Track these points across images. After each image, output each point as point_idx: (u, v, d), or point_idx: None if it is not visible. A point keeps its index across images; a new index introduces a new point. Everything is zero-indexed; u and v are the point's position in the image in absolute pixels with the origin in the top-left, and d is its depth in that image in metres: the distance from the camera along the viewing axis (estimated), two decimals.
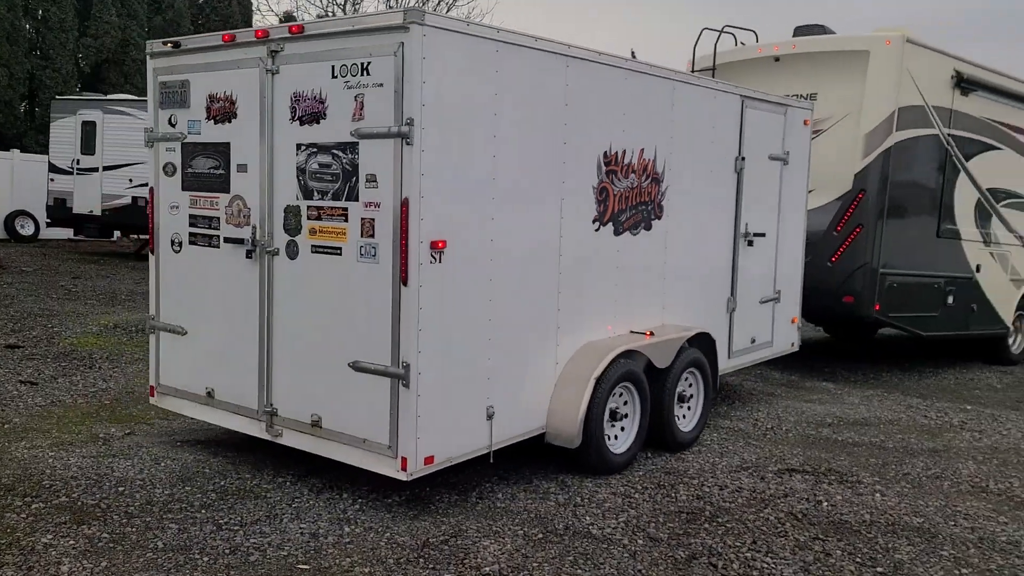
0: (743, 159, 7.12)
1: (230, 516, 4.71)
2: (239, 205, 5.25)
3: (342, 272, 4.75)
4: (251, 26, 23.56)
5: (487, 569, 4.14)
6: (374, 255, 4.60)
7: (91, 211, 17.72)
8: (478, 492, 5.21)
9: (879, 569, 4.36)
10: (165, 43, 5.56)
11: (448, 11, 22.98)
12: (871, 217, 9.08)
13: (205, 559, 4.17)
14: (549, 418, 5.43)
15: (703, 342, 6.54)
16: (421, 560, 4.23)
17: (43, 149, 21.26)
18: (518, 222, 5.09)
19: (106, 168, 17.62)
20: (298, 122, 4.87)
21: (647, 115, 6.03)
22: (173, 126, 5.56)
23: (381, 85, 4.48)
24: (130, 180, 17.25)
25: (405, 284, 4.48)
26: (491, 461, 5.12)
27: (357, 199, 4.64)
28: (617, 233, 5.87)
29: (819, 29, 9.94)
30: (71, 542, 4.29)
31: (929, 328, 9.86)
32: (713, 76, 8.55)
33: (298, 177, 4.91)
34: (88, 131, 17.80)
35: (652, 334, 6.02)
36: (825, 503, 5.27)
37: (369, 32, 4.52)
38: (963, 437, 7.18)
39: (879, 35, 9.25)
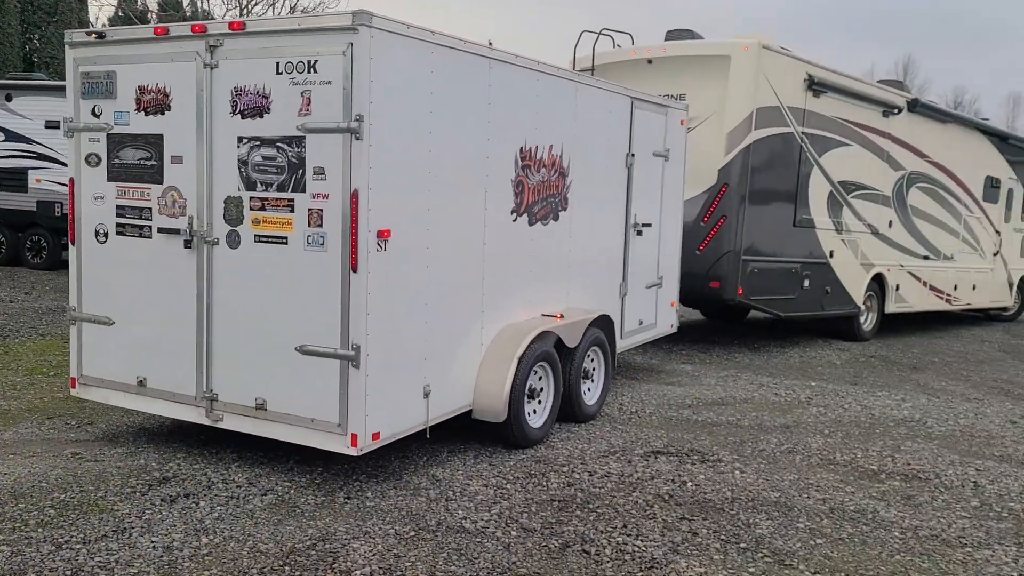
0: (633, 155, 7.74)
1: (71, 533, 4.29)
2: (174, 196, 5.34)
3: (288, 261, 4.97)
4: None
5: (358, 572, 4.01)
6: (322, 244, 4.85)
7: None
8: (345, 492, 5.04)
9: (742, 545, 4.53)
10: (89, 33, 5.55)
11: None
12: (734, 208, 9.97)
13: None
14: (476, 395, 5.83)
15: (604, 323, 7.12)
16: (287, 568, 4.03)
17: None
18: (450, 213, 5.46)
19: None
20: (240, 116, 5.03)
21: (555, 114, 6.52)
22: (97, 116, 5.56)
23: (329, 82, 4.73)
24: None
25: (355, 271, 4.76)
26: (427, 436, 5.48)
27: (304, 190, 4.87)
28: (531, 223, 6.34)
29: (688, 34, 10.76)
30: None
31: (788, 309, 10.90)
32: (592, 76, 9.15)
33: (240, 169, 5.07)
34: None
35: (562, 316, 6.53)
36: (689, 483, 5.44)
37: (316, 32, 4.76)
38: (810, 412, 7.64)
39: (738, 41, 10.14)
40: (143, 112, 5.39)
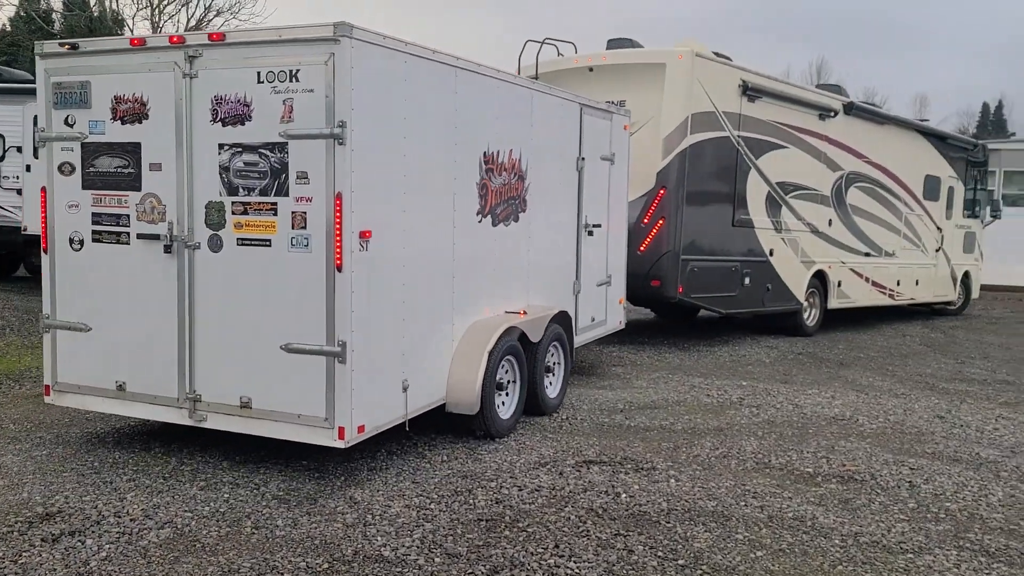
0: (583, 159, 8.11)
1: None
2: (152, 202, 5.47)
3: (272, 262, 5.16)
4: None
5: None
6: (307, 245, 5.06)
7: None
8: (253, 520, 4.68)
9: (680, 561, 4.32)
10: (61, 44, 5.64)
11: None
12: (672, 210, 10.42)
13: None
14: (449, 389, 6.09)
15: (562, 319, 7.46)
16: None
17: None
18: (423, 214, 5.71)
19: None
20: (220, 123, 5.20)
21: (514, 120, 6.84)
22: (70, 126, 5.65)
23: (311, 90, 4.95)
24: None
25: (339, 270, 4.98)
26: (407, 429, 5.71)
27: (287, 194, 5.07)
28: (494, 224, 6.63)
29: (628, 43, 11.21)
30: None
31: (729, 306, 11.40)
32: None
33: (221, 175, 5.24)
34: None
35: (525, 313, 6.83)
36: (623, 494, 5.21)
37: (297, 42, 4.97)
38: (743, 414, 7.49)
39: (673, 50, 10.62)
40: (120, 121, 5.50)
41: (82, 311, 5.76)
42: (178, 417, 5.52)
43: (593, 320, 8.68)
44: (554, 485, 5.37)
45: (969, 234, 16.87)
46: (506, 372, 6.55)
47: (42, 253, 5.86)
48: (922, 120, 17.07)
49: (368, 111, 5.05)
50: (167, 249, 5.43)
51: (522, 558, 4.30)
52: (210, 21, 22.80)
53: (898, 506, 5.24)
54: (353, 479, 5.40)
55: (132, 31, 24.02)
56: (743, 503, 5.15)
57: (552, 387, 7.29)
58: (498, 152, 6.59)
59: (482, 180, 6.40)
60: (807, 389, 8.72)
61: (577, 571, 4.19)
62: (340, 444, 5.07)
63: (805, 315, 12.79)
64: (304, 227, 5.05)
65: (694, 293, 10.75)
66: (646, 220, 10.44)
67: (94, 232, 5.67)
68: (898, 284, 14.72)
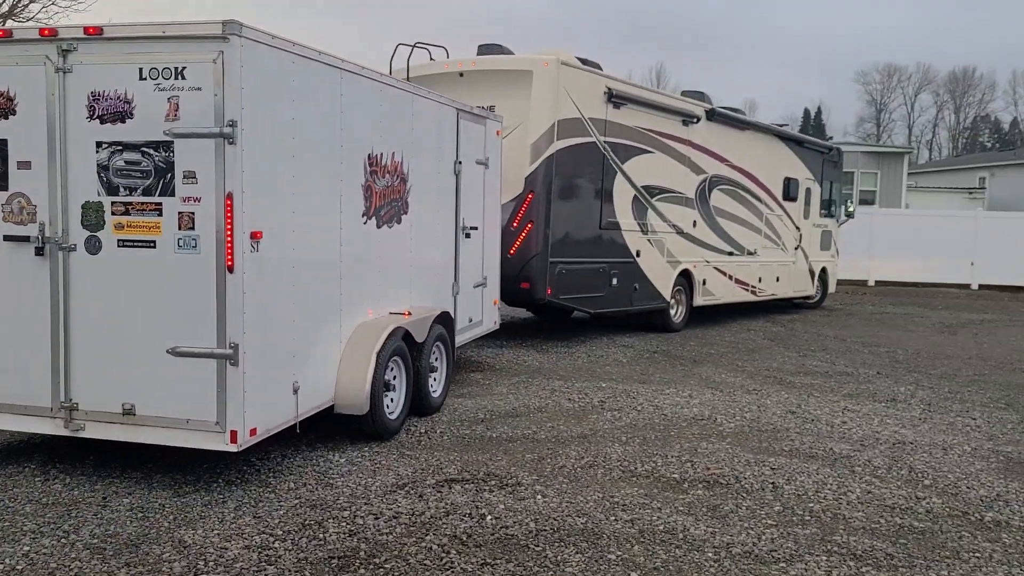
0: (460, 163, 8.25)
1: None
2: (21, 202, 5.20)
3: (157, 264, 5.01)
4: None
5: None
6: (195, 246, 4.95)
7: None
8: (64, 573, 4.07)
9: None
10: None
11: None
12: (539, 214, 10.70)
13: None
14: (338, 390, 6.08)
15: (445, 320, 7.56)
16: None
17: None
18: (312, 216, 5.69)
19: None
20: (98, 120, 5.01)
21: (396, 123, 6.89)
22: None
23: (199, 89, 4.85)
24: None
25: (231, 271, 4.90)
26: (297, 431, 5.66)
27: (173, 194, 4.95)
28: (379, 226, 6.66)
29: (498, 49, 11.41)
30: None
31: (597, 307, 11.79)
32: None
33: (99, 174, 5.04)
34: None
35: (410, 314, 6.90)
36: (489, 516, 4.91)
37: (183, 39, 4.86)
38: (606, 418, 7.39)
39: (539, 57, 10.91)
40: None
41: None
42: (52, 427, 5.26)
43: (471, 321, 8.82)
44: (413, 510, 4.97)
45: (826, 232, 18.00)
46: (393, 373, 6.59)
47: None
48: (781, 125, 17.94)
49: (258, 110, 5.00)
50: (39, 251, 5.17)
51: None
52: (25, 6, 20.96)
53: (765, 510, 5.19)
54: (184, 517, 4.78)
55: None
56: (613, 517, 4.96)
57: (436, 387, 7.38)
58: (382, 154, 6.63)
59: (367, 182, 6.43)
60: (665, 389, 8.78)
61: None
62: (232, 448, 4.98)
63: (672, 312, 13.31)
64: (192, 228, 4.94)
65: (563, 295, 11.06)
66: (515, 224, 10.65)
67: None
68: (760, 281, 15.56)
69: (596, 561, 4.39)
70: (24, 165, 5.17)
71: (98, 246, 5.10)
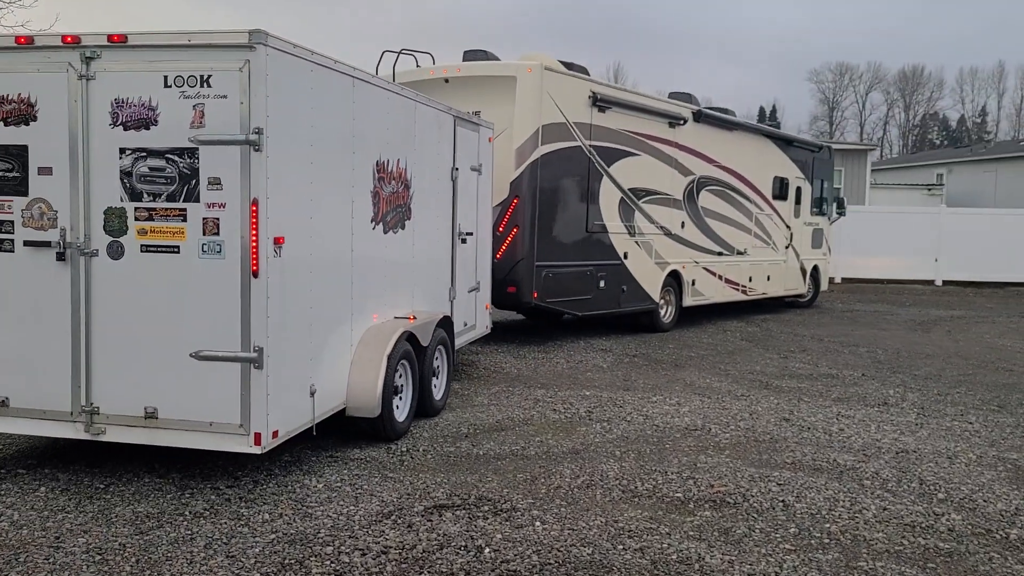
0: (456, 169, 8.38)
1: None
2: (42, 208, 5.23)
3: (180, 269, 5.08)
4: None
5: None
6: (220, 251, 5.03)
7: None
8: None
9: None
10: None
11: None
12: (525, 218, 10.85)
13: None
14: (350, 393, 6.18)
15: (446, 324, 7.69)
16: None
17: None
18: (326, 221, 5.79)
19: None
20: (122, 127, 5.07)
21: (401, 130, 7.01)
22: None
23: (225, 96, 4.94)
24: None
25: (255, 276, 4.99)
26: (314, 434, 5.74)
27: (198, 200, 5.02)
28: (385, 232, 6.77)
29: (483, 55, 11.54)
30: None
31: (585, 309, 11.95)
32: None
33: (122, 180, 5.10)
34: None
35: (415, 318, 7.01)
36: (487, 548, 4.55)
37: (209, 48, 4.95)
38: (595, 430, 7.13)
39: (523, 63, 11.06)
40: (2, 123, 5.23)
41: None
42: (72, 431, 5.30)
43: (465, 325, 8.95)
44: (403, 543, 4.57)
45: (817, 231, 18.24)
46: (401, 376, 6.70)
47: None
48: (771, 125, 18.19)
49: (281, 118, 5.10)
50: (60, 256, 5.21)
51: None
52: None
53: (780, 533, 4.94)
54: (148, 559, 4.30)
55: None
56: (621, 546, 4.65)
57: (438, 390, 7.50)
58: (388, 161, 6.74)
59: (375, 188, 6.54)
60: (651, 396, 8.59)
61: None
62: (256, 450, 5.06)
63: (662, 313, 13.49)
64: (217, 233, 5.02)
65: (549, 298, 11.21)
66: (501, 228, 10.78)
67: None
68: (750, 280, 15.74)
69: None
70: (45, 171, 5.21)
71: (120, 251, 5.15)
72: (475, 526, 4.88)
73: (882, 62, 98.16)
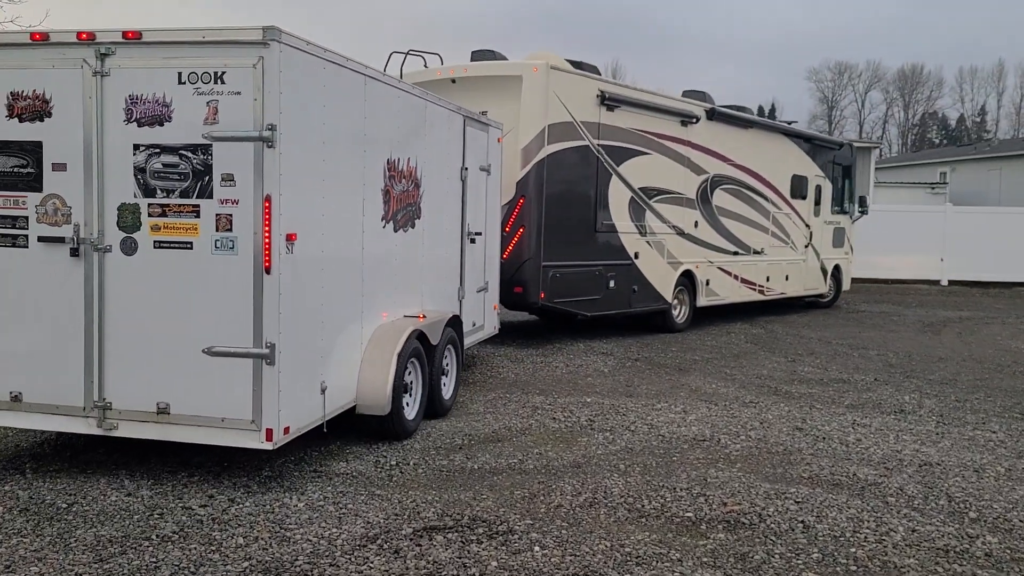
0: (466, 169, 8.39)
1: None
2: (56, 203, 5.25)
3: (193, 265, 5.10)
4: None
5: None
6: (232, 247, 5.04)
7: None
8: None
9: None
10: None
11: None
12: (531, 219, 10.84)
13: None
14: (360, 391, 6.19)
15: (455, 323, 7.70)
16: None
17: None
18: (338, 218, 5.81)
19: None
20: (136, 123, 5.09)
21: (412, 129, 7.03)
22: None
23: (239, 93, 4.96)
24: None
25: (268, 272, 5.00)
26: (324, 431, 5.75)
27: (211, 196, 5.04)
28: (396, 230, 6.79)
29: (490, 54, 11.55)
30: None
31: (594, 309, 11.91)
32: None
33: (136, 176, 5.12)
34: None
35: (425, 317, 7.02)
36: None
37: (223, 44, 4.97)
38: (597, 441, 6.79)
39: (528, 62, 11.06)
40: (17, 119, 5.25)
41: None
42: (84, 427, 5.31)
43: (474, 325, 8.96)
44: (389, 570, 4.22)
45: (838, 230, 18.07)
46: (410, 374, 6.71)
47: None
48: (789, 123, 17.78)
49: (294, 115, 5.12)
50: (74, 252, 5.23)
51: None
52: None
53: (802, 558, 4.58)
54: None
55: None
56: (628, 575, 4.32)
57: (446, 389, 7.50)
58: (399, 160, 6.76)
59: (386, 187, 6.55)
60: (656, 403, 8.26)
61: None
62: (268, 446, 5.07)
63: (675, 313, 13.41)
64: (230, 229, 5.04)
65: (557, 298, 11.19)
66: (508, 228, 10.76)
67: None
68: (768, 280, 15.61)
69: None
70: (59, 167, 5.23)
71: (134, 247, 5.17)
72: (468, 552, 4.49)
73: (881, 61, 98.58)
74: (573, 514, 5.12)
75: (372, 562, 4.33)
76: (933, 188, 35.72)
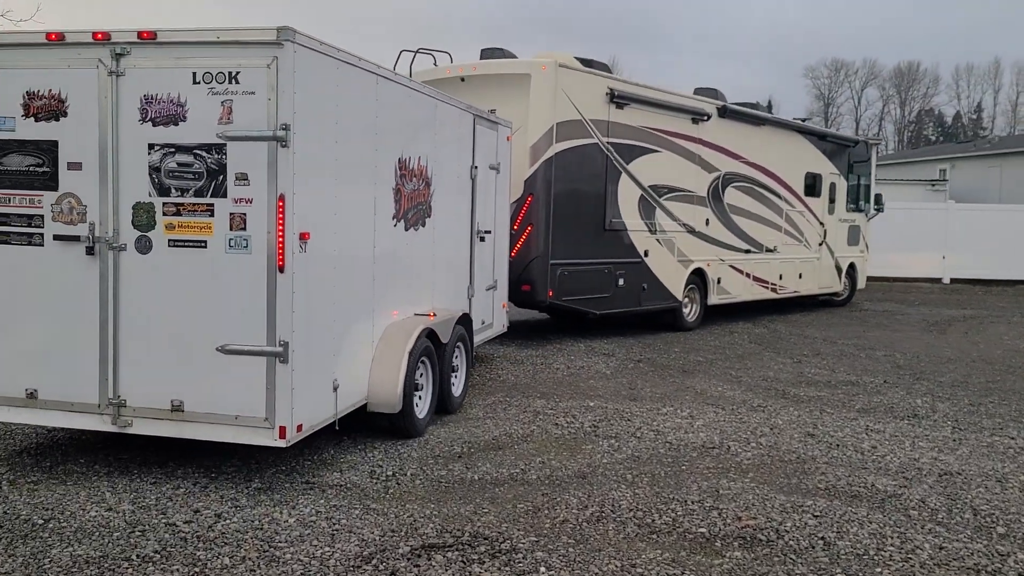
0: (476, 168, 8.42)
1: None
2: (71, 202, 5.30)
3: (207, 264, 5.14)
4: None
5: None
6: (246, 246, 5.08)
7: None
8: None
9: None
10: None
11: None
12: (540, 217, 10.86)
13: None
14: (371, 389, 6.22)
15: (465, 321, 7.73)
16: None
17: None
18: (350, 217, 5.84)
19: None
20: (151, 123, 5.13)
21: (422, 128, 7.06)
22: None
23: (253, 93, 4.99)
24: None
25: (281, 271, 5.04)
26: (336, 428, 5.79)
27: (225, 195, 5.08)
28: (406, 229, 6.82)
29: (500, 52, 11.57)
30: None
31: (603, 307, 11.90)
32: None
33: (151, 175, 5.16)
34: None
35: (435, 315, 7.05)
36: None
37: (238, 44, 5.00)
38: (602, 448, 6.54)
39: (537, 60, 11.08)
40: (33, 118, 5.30)
41: None
42: (99, 423, 5.36)
43: (483, 323, 8.99)
44: None
45: (853, 227, 17.97)
46: (421, 373, 6.74)
47: None
48: (803, 120, 17.67)
49: (308, 115, 5.15)
50: (89, 251, 5.27)
51: None
52: None
53: None
54: None
55: None
56: None
57: (456, 387, 7.54)
58: (409, 159, 6.79)
59: (397, 185, 6.59)
60: (661, 407, 8.02)
61: None
62: (281, 443, 5.11)
63: (686, 311, 13.40)
64: (244, 228, 5.08)
65: (565, 296, 11.20)
66: (516, 226, 10.77)
67: (0, 233, 5.41)
68: (781, 278, 15.55)
69: None
70: (75, 166, 5.28)
71: (149, 246, 5.21)
72: (470, 573, 4.23)
73: (877, 58, 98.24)
74: (580, 530, 4.88)
75: None
76: (933, 185, 35.57)
